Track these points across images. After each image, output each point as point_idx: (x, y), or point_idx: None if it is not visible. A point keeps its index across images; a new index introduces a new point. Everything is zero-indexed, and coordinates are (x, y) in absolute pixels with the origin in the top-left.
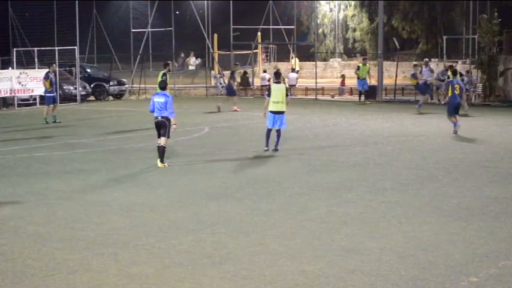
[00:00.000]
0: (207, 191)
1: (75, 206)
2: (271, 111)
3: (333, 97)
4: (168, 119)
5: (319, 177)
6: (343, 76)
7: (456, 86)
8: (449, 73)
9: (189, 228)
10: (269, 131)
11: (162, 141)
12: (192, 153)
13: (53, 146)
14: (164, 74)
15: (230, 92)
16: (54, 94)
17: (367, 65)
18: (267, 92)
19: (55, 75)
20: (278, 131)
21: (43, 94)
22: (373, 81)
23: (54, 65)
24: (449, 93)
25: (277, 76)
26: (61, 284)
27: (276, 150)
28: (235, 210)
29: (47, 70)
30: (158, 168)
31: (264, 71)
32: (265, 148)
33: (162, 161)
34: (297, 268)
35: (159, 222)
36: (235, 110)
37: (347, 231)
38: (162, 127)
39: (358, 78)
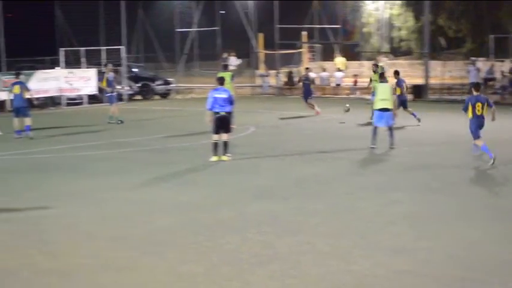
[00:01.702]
0: (253, 190)
1: (123, 204)
2: (378, 109)
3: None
4: (230, 114)
5: (366, 177)
6: (355, 76)
7: None
8: None
9: (236, 227)
10: (376, 128)
11: (225, 136)
12: (238, 153)
13: (99, 145)
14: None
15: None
16: (112, 94)
17: (382, 64)
18: (372, 92)
19: (113, 76)
20: (390, 130)
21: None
22: (419, 81)
23: (110, 65)
24: None
25: (382, 76)
26: (110, 281)
27: (392, 148)
28: (282, 209)
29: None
30: (215, 163)
31: (310, 71)
32: (373, 146)
33: (226, 154)
34: (344, 268)
35: (206, 221)
36: (318, 113)
37: (395, 231)
38: (225, 122)
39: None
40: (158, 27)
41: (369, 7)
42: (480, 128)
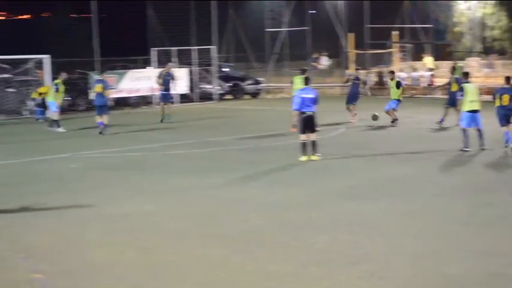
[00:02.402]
0: (343, 190)
1: (213, 203)
2: (468, 111)
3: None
4: (315, 114)
5: (456, 178)
6: (432, 76)
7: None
8: None
9: (325, 227)
10: (466, 131)
11: (314, 136)
12: (328, 153)
13: (191, 144)
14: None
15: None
16: (166, 92)
17: (460, 64)
18: (460, 93)
19: (170, 75)
20: (479, 131)
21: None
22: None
23: (169, 64)
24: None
25: (466, 76)
26: (200, 279)
27: (483, 149)
28: (371, 210)
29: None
30: (305, 163)
31: (400, 71)
32: (467, 149)
33: (315, 154)
34: (435, 270)
35: (295, 221)
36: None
37: (488, 233)
38: (311, 122)
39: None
40: (248, 27)
41: (461, 6)
42: (506, 118)
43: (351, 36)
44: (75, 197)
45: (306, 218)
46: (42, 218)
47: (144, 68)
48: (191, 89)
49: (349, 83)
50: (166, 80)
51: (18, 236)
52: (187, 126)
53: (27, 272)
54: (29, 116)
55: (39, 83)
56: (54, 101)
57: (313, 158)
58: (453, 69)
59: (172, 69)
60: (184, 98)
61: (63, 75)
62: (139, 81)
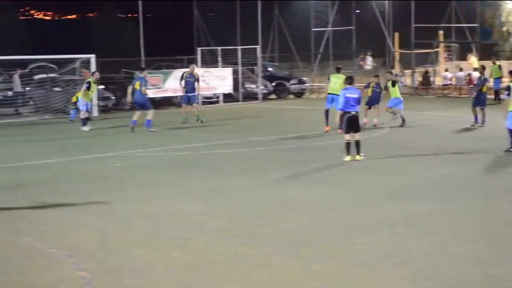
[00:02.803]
0: (387, 190)
1: (257, 202)
2: None
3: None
4: (358, 114)
5: (502, 179)
6: (469, 75)
7: None
8: None
9: (369, 227)
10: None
11: (357, 136)
12: (372, 153)
13: (234, 143)
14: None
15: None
16: (190, 94)
17: (497, 63)
18: (507, 92)
19: (193, 76)
20: None
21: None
22: None
23: (192, 65)
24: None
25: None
26: (243, 278)
27: None
28: (415, 210)
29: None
30: (349, 163)
31: (446, 70)
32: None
33: (359, 154)
34: (480, 271)
35: (339, 221)
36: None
37: None
38: (355, 122)
39: (490, 77)
40: (293, 27)
41: (508, 6)
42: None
43: (397, 36)
44: (119, 196)
45: (350, 218)
46: (87, 216)
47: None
48: (235, 88)
49: (369, 89)
50: (188, 82)
51: (63, 234)
52: (231, 125)
53: (71, 269)
54: (75, 115)
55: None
56: (84, 99)
57: (357, 158)
58: (483, 69)
59: (196, 71)
60: (228, 97)
61: (96, 75)
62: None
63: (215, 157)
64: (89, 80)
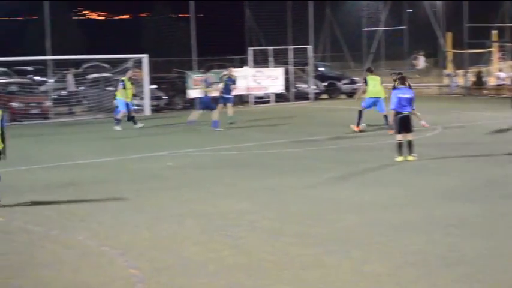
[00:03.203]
0: (440, 191)
1: (308, 202)
2: None
3: None
4: (411, 114)
5: None
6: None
7: None
8: None
9: (422, 228)
10: None
11: (410, 136)
12: (425, 153)
13: (285, 143)
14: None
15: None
16: (227, 96)
17: None
18: None
19: (232, 80)
20: None
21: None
22: None
23: (230, 68)
24: None
25: None
26: (294, 278)
27: None
28: (470, 212)
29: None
30: (401, 163)
31: (500, 70)
32: None
33: (411, 154)
34: None
35: (391, 221)
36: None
37: None
38: (408, 122)
39: None
40: (345, 27)
41: None
42: None
43: (449, 36)
44: (171, 195)
45: (402, 218)
46: (139, 214)
47: (241, 67)
48: (287, 88)
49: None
50: (227, 84)
51: (116, 233)
52: (282, 125)
53: (123, 268)
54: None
55: (138, 82)
56: (122, 98)
57: (409, 158)
58: None
59: (234, 73)
60: (279, 97)
61: (129, 73)
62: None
63: (266, 157)
64: (123, 78)
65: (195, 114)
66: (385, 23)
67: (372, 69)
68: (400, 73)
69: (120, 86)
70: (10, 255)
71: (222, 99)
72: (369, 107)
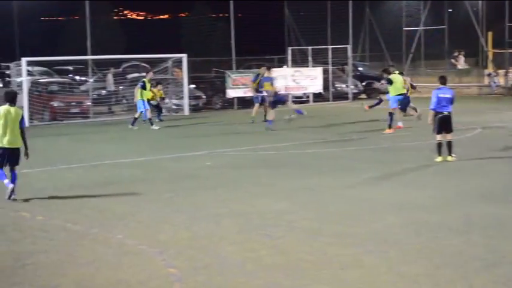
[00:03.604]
0: (479, 192)
1: (346, 202)
2: None
3: None
4: (451, 114)
5: None
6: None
7: None
8: None
9: (460, 229)
10: None
11: (449, 137)
12: (464, 153)
13: (323, 142)
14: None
15: None
16: (260, 95)
17: None
18: None
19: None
20: None
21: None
22: None
23: (263, 68)
24: None
25: None
26: (332, 278)
27: None
28: (508, 213)
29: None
30: (440, 164)
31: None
32: None
33: (450, 154)
34: None
35: (429, 222)
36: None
37: None
38: (448, 122)
39: None
40: (385, 26)
41: None
42: None
43: (490, 35)
44: (209, 194)
45: (441, 219)
46: (177, 214)
47: (281, 67)
48: (326, 88)
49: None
50: (262, 85)
51: (154, 231)
52: (320, 125)
53: (161, 266)
54: (166, 113)
55: (178, 82)
56: (142, 99)
57: (449, 158)
58: None
59: (269, 73)
60: (318, 97)
61: (150, 75)
62: (275, 80)
63: (304, 156)
64: (144, 80)
65: (271, 114)
66: (424, 22)
67: (389, 70)
68: (392, 65)
69: (139, 86)
70: (49, 254)
71: (258, 98)
72: (397, 104)
